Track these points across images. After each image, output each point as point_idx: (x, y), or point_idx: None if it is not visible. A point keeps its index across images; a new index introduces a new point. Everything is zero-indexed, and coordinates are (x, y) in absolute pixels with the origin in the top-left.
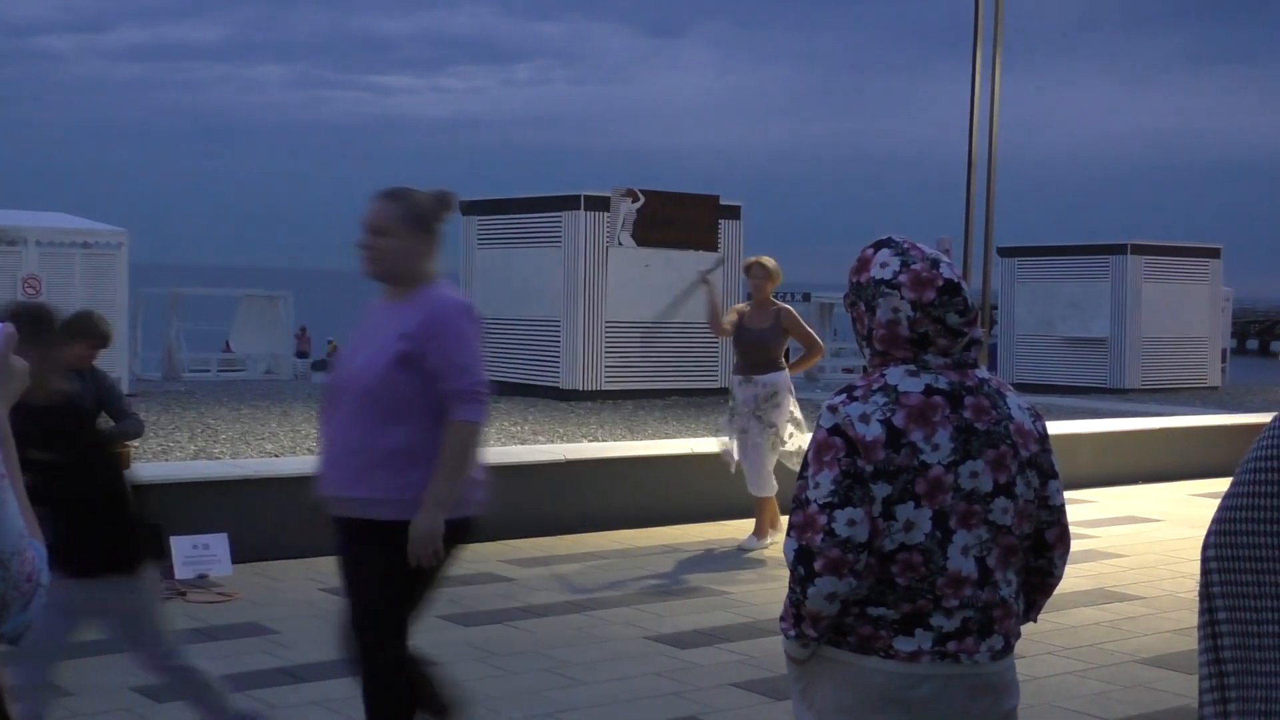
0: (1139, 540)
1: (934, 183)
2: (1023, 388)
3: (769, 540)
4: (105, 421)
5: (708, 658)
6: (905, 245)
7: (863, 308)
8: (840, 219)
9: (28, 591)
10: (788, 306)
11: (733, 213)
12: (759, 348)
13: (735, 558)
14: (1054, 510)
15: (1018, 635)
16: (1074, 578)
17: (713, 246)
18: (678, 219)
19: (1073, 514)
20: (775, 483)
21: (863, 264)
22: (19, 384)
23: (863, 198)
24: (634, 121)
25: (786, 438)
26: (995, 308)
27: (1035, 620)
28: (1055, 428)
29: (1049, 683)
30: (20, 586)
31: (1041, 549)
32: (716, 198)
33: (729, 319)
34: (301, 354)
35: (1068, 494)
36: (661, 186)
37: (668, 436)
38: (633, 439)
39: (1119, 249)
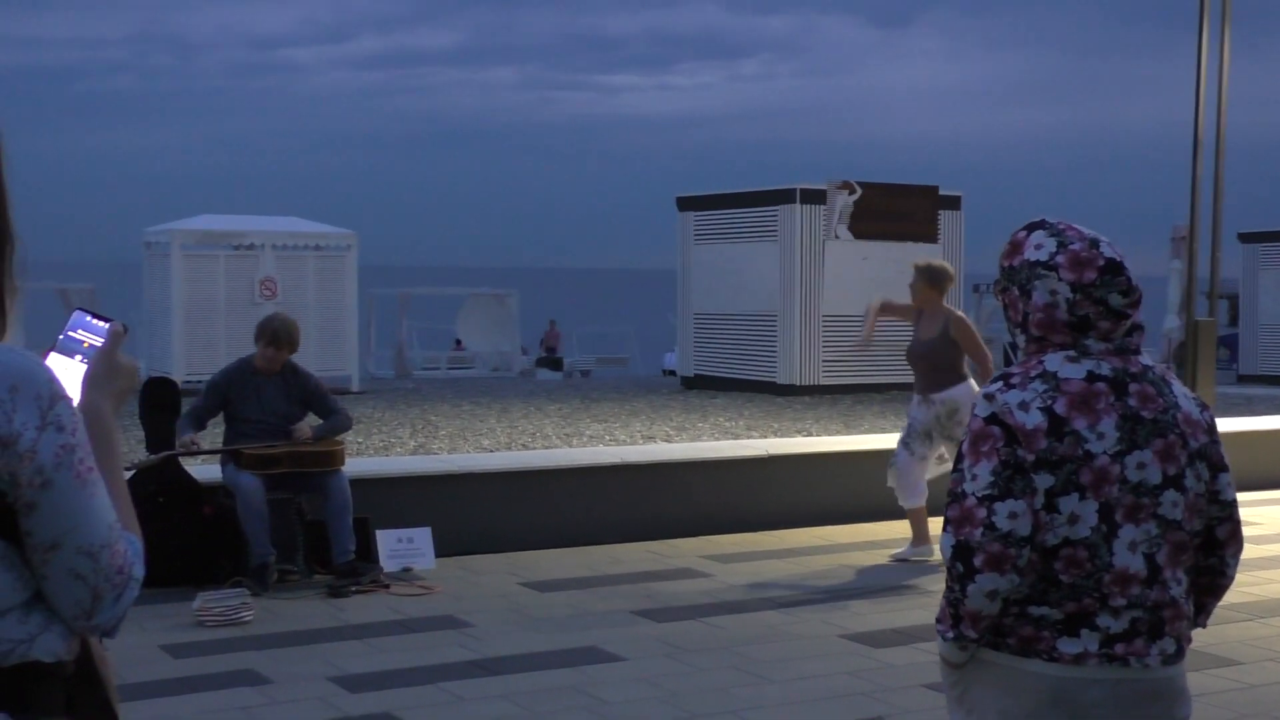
0: None
1: (1168, 168)
2: (1269, 380)
3: (931, 549)
4: (312, 420)
5: (902, 658)
6: (1060, 226)
7: (1016, 293)
8: (1065, 208)
9: (120, 584)
10: (959, 314)
11: (953, 203)
12: (926, 360)
13: (937, 555)
14: (1225, 505)
15: (1189, 640)
16: None
17: (933, 238)
18: (896, 210)
19: None
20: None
21: (1015, 247)
22: (127, 382)
23: (1090, 185)
24: (859, 113)
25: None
26: (1232, 296)
27: (1204, 625)
28: None
29: (1267, 691)
30: (112, 579)
31: (1212, 547)
32: (936, 188)
33: (875, 319)
34: (550, 349)
35: None
36: (886, 178)
37: (883, 431)
38: (847, 434)
39: None
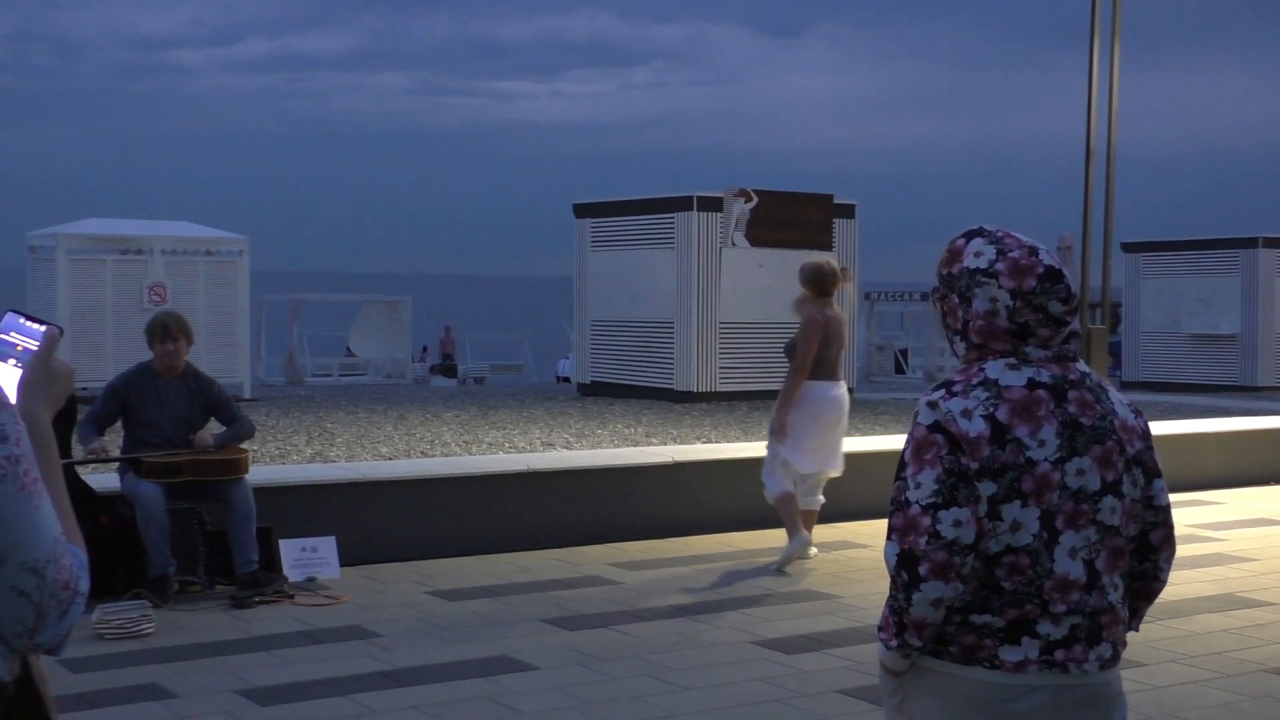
0: (1270, 543)
1: (1055, 179)
2: (1149, 386)
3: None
4: (215, 427)
5: (814, 664)
6: (999, 234)
7: (955, 300)
8: (959, 217)
9: (65, 600)
10: (811, 316)
11: (847, 212)
12: (787, 356)
13: (846, 562)
14: (1159, 510)
15: (1125, 644)
16: (1199, 582)
17: (827, 246)
18: (791, 218)
19: (1199, 516)
20: (780, 487)
21: (954, 255)
22: (63, 387)
23: (982, 195)
24: (751, 122)
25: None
26: (1119, 305)
27: (1137, 629)
28: (1182, 427)
29: (1170, 692)
30: (57, 595)
31: (1146, 552)
32: (830, 197)
33: None
34: (446, 355)
35: (1194, 495)
36: (779, 187)
37: None
38: (746, 440)
39: (1250, 243)
